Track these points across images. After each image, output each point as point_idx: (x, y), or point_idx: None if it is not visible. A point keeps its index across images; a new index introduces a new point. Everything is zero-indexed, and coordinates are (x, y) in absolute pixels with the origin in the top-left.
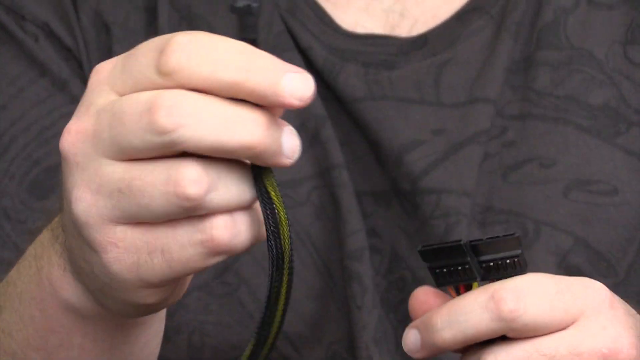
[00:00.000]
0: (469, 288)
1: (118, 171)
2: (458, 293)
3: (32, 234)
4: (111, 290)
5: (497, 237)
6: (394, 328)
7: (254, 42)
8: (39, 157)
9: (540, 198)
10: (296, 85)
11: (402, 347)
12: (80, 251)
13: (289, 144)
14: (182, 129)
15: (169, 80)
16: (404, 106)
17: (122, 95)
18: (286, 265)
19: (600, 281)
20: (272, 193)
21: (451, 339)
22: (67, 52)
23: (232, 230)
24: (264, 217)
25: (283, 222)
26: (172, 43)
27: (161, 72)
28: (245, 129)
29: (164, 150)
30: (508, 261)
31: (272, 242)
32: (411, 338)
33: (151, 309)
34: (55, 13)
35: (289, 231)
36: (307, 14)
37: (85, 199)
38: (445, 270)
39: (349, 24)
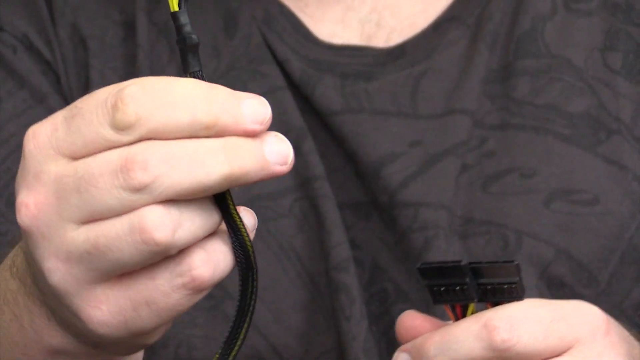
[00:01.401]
0: (465, 308)
1: (81, 234)
2: (454, 311)
3: None
4: (104, 343)
5: (497, 262)
6: (377, 340)
7: (198, 74)
8: (17, 171)
9: (521, 208)
10: (256, 109)
11: (385, 359)
12: (65, 316)
13: (275, 152)
14: (159, 180)
15: (128, 134)
16: (380, 119)
17: (74, 158)
18: (255, 277)
19: (582, 291)
20: (234, 213)
21: None
22: (46, 65)
23: (210, 264)
24: (232, 238)
25: (247, 241)
26: (124, 96)
27: (119, 127)
28: (221, 160)
29: (142, 204)
30: (505, 286)
31: (243, 260)
32: (402, 358)
33: (147, 343)
34: (33, 25)
35: (253, 247)
36: (283, 26)
37: (59, 268)
38: (443, 289)
39: (326, 35)
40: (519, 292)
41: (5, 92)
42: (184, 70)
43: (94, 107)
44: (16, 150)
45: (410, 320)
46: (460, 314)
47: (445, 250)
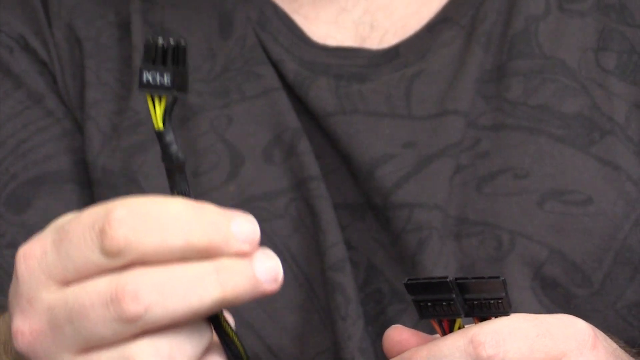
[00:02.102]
0: (452, 323)
1: None
2: (441, 326)
3: None
4: None
5: (483, 278)
6: (372, 340)
7: (186, 193)
8: (15, 171)
9: (514, 209)
10: (244, 229)
11: (380, 359)
12: None
13: (265, 270)
14: (152, 309)
15: (117, 260)
16: (374, 120)
17: (64, 283)
18: None
19: (576, 291)
20: (227, 329)
21: None
22: (42, 65)
23: None
24: (227, 352)
25: (244, 355)
26: (112, 220)
27: (108, 253)
28: (213, 284)
29: (136, 333)
30: (492, 302)
31: None
32: None
33: None
34: (30, 26)
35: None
36: (277, 27)
37: None
38: (429, 304)
39: (320, 36)
40: (505, 307)
41: (2, 93)
42: (171, 190)
43: (81, 231)
44: (13, 152)
45: (398, 334)
46: (448, 329)
47: (439, 250)
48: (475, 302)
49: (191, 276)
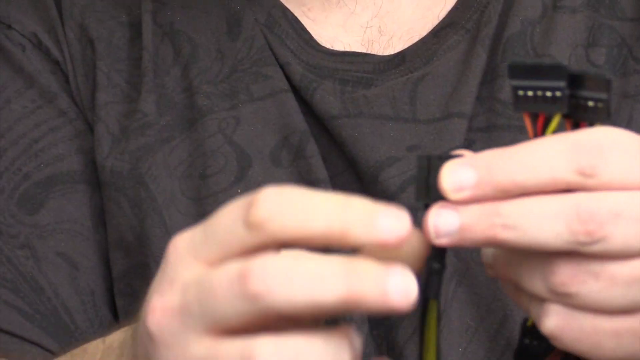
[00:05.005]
0: (548, 122)
1: (201, 350)
2: (534, 124)
3: None
4: None
5: (589, 72)
6: (377, 344)
7: None
8: (28, 171)
9: None
10: (392, 223)
11: None
12: None
13: (398, 288)
14: (275, 293)
15: (259, 233)
16: (379, 123)
17: (209, 263)
18: None
19: None
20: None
21: (522, 182)
22: (55, 64)
23: None
24: None
25: None
26: (260, 195)
27: (251, 224)
28: (340, 283)
29: (259, 316)
30: (591, 104)
31: None
32: (464, 175)
33: None
34: (42, 25)
35: None
36: (285, 30)
37: None
38: (531, 93)
39: (328, 40)
40: (607, 113)
41: (13, 92)
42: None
43: (231, 209)
44: (26, 152)
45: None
46: (541, 129)
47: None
48: (581, 102)
49: (320, 268)
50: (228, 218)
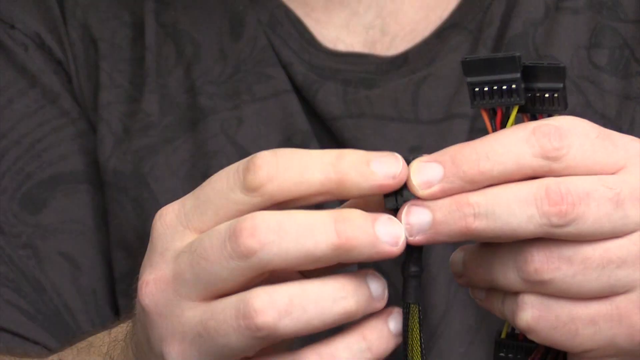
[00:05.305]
0: (506, 117)
1: (197, 314)
2: (492, 120)
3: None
4: None
5: (542, 63)
6: None
7: None
8: (30, 171)
9: None
10: (386, 165)
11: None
12: None
13: (386, 231)
14: (267, 247)
15: (258, 195)
16: (381, 124)
17: (201, 230)
18: None
19: None
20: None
21: (488, 171)
22: (57, 64)
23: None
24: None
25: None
26: (257, 159)
27: (249, 187)
28: (330, 230)
29: (252, 274)
30: (547, 95)
31: None
32: (430, 171)
33: None
34: (45, 24)
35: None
36: (287, 30)
37: (174, 349)
38: (486, 88)
39: (330, 40)
40: (562, 103)
41: (16, 91)
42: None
43: (224, 175)
44: (28, 151)
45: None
46: (499, 123)
47: (443, 255)
48: (537, 95)
49: (309, 220)
50: (223, 184)
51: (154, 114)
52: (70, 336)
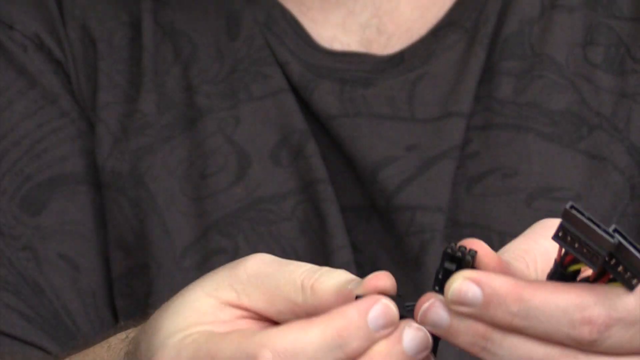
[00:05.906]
0: (575, 261)
1: None
2: (563, 256)
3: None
4: None
5: (637, 249)
6: None
7: None
8: (30, 173)
9: (503, 209)
10: (380, 315)
11: None
12: None
13: (414, 344)
14: None
15: None
16: (377, 122)
17: None
18: None
19: None
20: None
21: (517, 327)
22: (57, 65)
23: None
24: None
25: None
26: None
27: None
28: None
29: None
30: (627, 275)
31: None
32: (473, 293)
33: None
34: (44, 25)
35: None
36: (284, 29)
37: None
38: (576, 244)
39: (326, 39)
40: (632, 286)
41: (16, 92)
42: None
43: None
44: (28, 153)
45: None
46: (566, 264)
47: (439, 254)
48: (612, 263)
49: None
50: None
51: (151, 114)
52: (68, 343)
